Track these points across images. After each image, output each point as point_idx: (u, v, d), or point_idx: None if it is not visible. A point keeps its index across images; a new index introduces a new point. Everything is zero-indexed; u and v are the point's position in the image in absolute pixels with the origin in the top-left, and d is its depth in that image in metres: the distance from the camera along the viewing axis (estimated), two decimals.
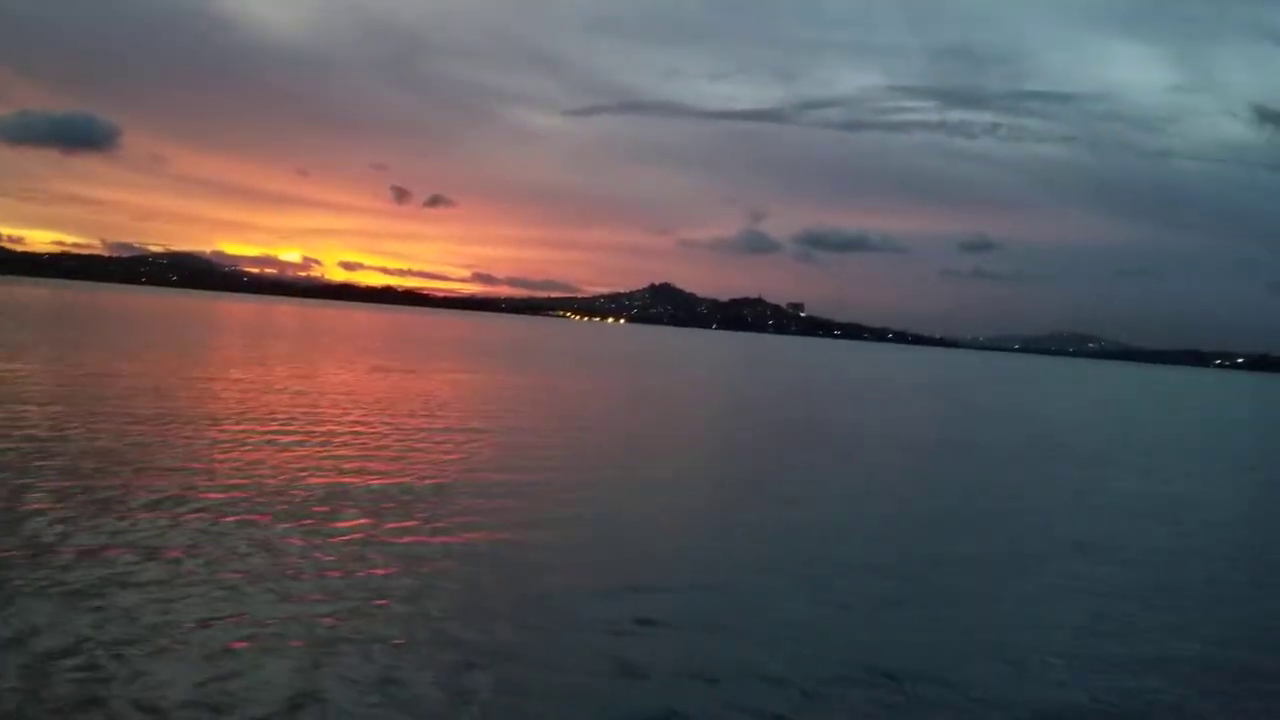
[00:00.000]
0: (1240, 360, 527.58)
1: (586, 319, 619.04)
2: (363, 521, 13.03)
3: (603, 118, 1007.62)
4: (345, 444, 19.65)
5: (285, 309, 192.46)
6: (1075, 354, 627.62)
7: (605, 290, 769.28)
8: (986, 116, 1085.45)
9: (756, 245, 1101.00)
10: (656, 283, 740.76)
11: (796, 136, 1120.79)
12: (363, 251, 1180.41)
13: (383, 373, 40.87)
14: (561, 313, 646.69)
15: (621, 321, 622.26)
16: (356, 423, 23.22)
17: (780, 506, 17.47)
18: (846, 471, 23.75)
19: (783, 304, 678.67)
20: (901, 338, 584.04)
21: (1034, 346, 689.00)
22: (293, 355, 48.15)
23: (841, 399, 53.66)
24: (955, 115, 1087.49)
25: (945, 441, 32.46)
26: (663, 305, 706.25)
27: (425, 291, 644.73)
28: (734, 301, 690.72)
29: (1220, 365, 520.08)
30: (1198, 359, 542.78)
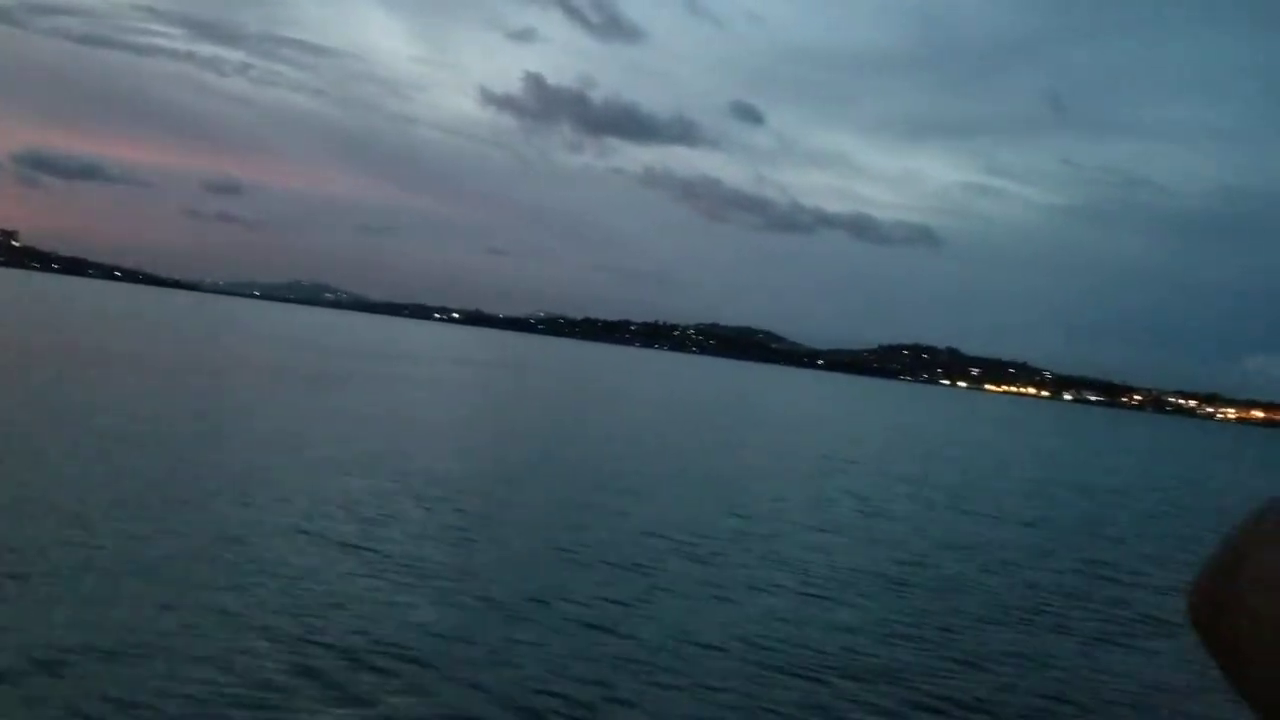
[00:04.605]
0: (456, 315, 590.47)
1: None
2: None
3: None
4: None
5: None
6: (312, 303, 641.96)
7: None
8: (239, 55, 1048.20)
9: None
10: None
11: (24, 43, 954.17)
12: None
13: None
14: None
15: None
16: None
17: None
18: None
19: None
20: (133, 276, 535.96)
21: (274, 294, 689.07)
22: None
23: None
24: (206, 49, 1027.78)
25: None
26: None
27: None
28: None
29: (439, 319, 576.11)
30: (423, 313, 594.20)
